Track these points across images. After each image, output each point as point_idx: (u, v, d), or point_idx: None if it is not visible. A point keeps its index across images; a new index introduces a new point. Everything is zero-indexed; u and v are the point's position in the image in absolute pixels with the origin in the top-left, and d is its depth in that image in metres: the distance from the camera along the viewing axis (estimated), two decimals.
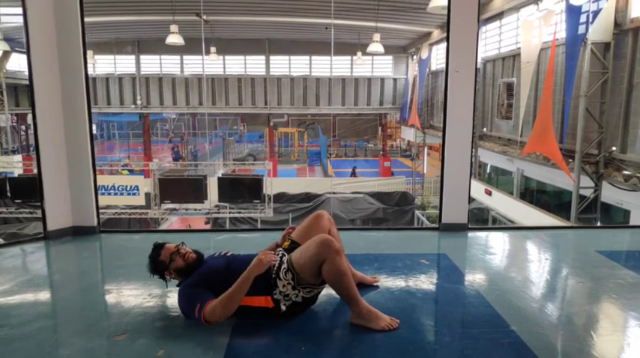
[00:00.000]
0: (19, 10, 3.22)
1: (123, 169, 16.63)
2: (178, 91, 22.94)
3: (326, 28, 17.07)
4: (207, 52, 20.09)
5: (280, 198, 13.21)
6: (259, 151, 30.73)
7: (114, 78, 22.78)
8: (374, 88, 23.49)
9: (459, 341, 2.02)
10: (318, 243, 2.03)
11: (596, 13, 8.44)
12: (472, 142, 3.75)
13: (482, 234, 3.69)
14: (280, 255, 2.22)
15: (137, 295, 2.44)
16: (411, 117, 20.50)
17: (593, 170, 9.10)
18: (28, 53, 3.25)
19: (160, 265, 2.19)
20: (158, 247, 2.23)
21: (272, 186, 11.76)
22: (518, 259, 3.38)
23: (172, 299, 2.31)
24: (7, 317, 2.25)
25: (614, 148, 8.70)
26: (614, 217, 9.70)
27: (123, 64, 22.88)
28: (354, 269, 2.48)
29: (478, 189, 12.69)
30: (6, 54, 18.78)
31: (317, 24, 17.89)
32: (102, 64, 22.37)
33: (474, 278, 2.74)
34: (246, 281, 2.03)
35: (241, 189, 11.39)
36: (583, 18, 8.69)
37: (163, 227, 14.05)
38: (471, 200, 3.71)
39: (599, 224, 9.26)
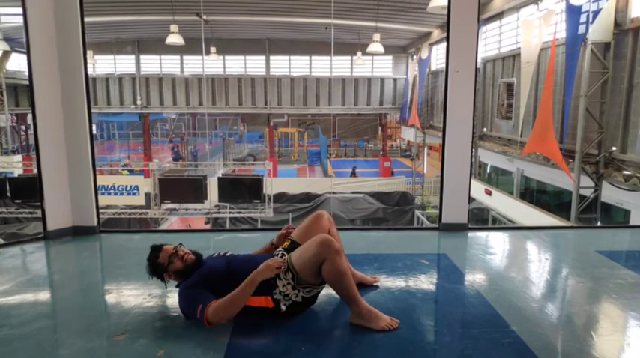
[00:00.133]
0: (19, 10, 3.22)
1: (123, 169, 16.63)
2: (178, 91, 22.94)
3: (326, 28, 17.08)
4: (207, 52, 20.10)
5: (280, 198, 13.21)
6: (259, 151, 30.73)
7: (114, 78, 22.78)
8: (374, 88, 23.50)
9: (459, 341, 2.02)
10: (318, 242, 2.03)
11: (596, 13, 8.44)
12: (472, 142, 3.75)
13: (482, 234, 3.69)
14: (280, 255, 2.22)
15: (137, 295, 2.44)
16: (411, 117, 20.50)
17: (593, 170, 9.10)
18: (28, 53, 3.25)
19: (158, 267, 2.19)
20: (156, 249, 2.22)
21: (272, 186, 11.76)
22: (518, 259, 3.38)
23: (172, 299, 2.31)
24: (7, 317, 2.25)
25: (614, 148, 8.70)
26: (614, 217, 9.70)
27: (123, 64, 22.88)
28: (354, 269, 2.48)
29: (478, 189, 12.69)
30: (6, 54, 18.78)
31: (317, 24, 17.89)
32: (102, 64, 22.37)
33: (474, 278, 2.74)
34: (251, 284, 2.03)
35: (241, 189, 11.40)
36: (583, 18, 8.69)
37: (163, 227, 14.05)
38: (471, 200, 3.71)
39: (599, 224, 9.26)
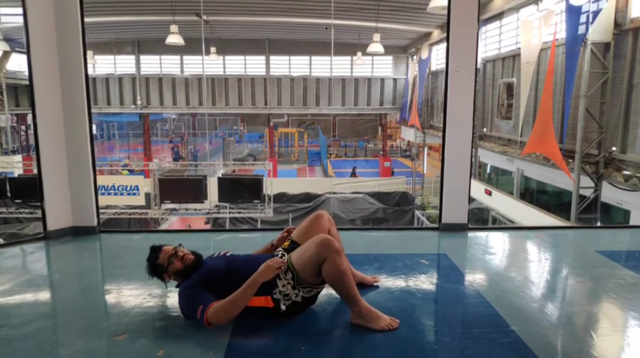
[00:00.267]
0: (19, 10, 3.22)
1: (123, 169, 16.62)
2: (178, 91, 22.95)
3: (326, 28, 17.08)
4: (207, 52, 20.10)
5: (280, 198, 13.21)
6: (259, 151, 30.73)
7: (114, 78, 22.78)
8: (374, 88, 23.50)
9: (459, 341, 2.02)
10: (318, 242, 2.03)
11: (596, 13, 8.44)
12: (472, 142, 3.75)
13: (482, 234, 3.69)
14: (280, 255, 2.22)
15: (137, 295, 2.44)
16: (411, 117, 20.50)
17: (593, 170, 9.10)
18: (28, 53, 3.25)
19: (158, 268, 2.19)
20: (155, 250, 2.22)
21: (272, 186, 11.76)
22: (518, 259, 3.38)
23: (172, 299, 2.31)
24: (7, 317, 2.25)
25: (614, 148, 8.70)
26: (614, 217, 9.70)
27: (123, 64, 22.88)
28: (354, 269, 2.47)
29: (478, 189, 12.69)
30: (6, 54, 18.78)
31: (317, 24, 17.89)
32: (102, 64, 22.37)
33: (474, 278, 2.74)
34: (252, 286, 2.03)
35: (241, 189, 11.40)
36: (583, 18, 8.69)
37: (163, 227, 14.05)
38: (471, 200, 3.71)
39: (599, 224, 9.26)
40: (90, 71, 9.26)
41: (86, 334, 2.07)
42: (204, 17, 16.77)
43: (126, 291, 2.54)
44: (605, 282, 2.64)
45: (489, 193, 12.61)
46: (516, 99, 12.42)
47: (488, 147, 14.05)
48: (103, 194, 11.29)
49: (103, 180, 12.36)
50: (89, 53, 12.56)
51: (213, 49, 20.76)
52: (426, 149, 22.32)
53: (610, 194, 9.03)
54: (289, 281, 2.09)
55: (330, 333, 2.09)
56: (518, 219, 10.88)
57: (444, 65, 4.39)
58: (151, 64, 23.17)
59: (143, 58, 23.07)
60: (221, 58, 22.27)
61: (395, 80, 23.63)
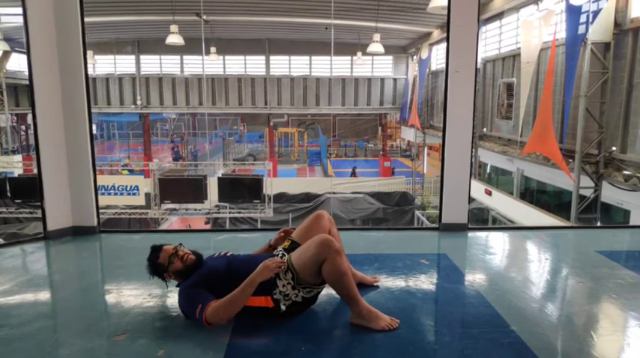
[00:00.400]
0: (19, 10, 3.22)
1: (123, 169, 16.62)
2: (178, 91, 22.95)
3: (326, 28, 17.08)
4: (207, 52, 20.09)
5: (280, 198, 13.21)
6: (259, 151, 30.73)
7: (114, 78, 22.78)
8: (374, 88, 23.50)
9: (459, 341, 2.02)
10: (318, 243, 2.03)
11: (596, 13, 8.44)
12: (472, 142, 3.75)
13: (482, 234, 3.69)
14: (280, 255, 2.22)
15: (137, 295, 2.44)
16: (411, 117, 20.50)
17: (593, 170, 9.10)
18: (28, 53, 3.25)
19: (158, 268, 2.19)
20: (156, 250, 2.22)
21: (272, 186, 11.75)
22: (518, 259, 3.38)
23: (172, 299, 2.31)
24: (7, 317, 2.25)
25: (614, 148, 8.70)
26: (614, 217, 9.70)
27: (123, 64, 22.89)
28: (354, 269, 2.47)
29: (478, 189, 12.69)
30: (6, 54, 18.78)
31: (317, 24, 17.89)
32: (102, 64, 22.37)
33: (474, 278, 2.74)
34: (250, 285, 2.03)
35: (241, 189, 11.39)
36: (583, 18, 8.69)
37: (163, 227, 14.05)
38: (471, 200, 3.71)
39: (599, 224, 9.26)
40: (90, 71, 9.27)
41: (86, 334, 2.07)
42: (204, 17, 16.77)
43: (126, 291, 2.54)
44: (605, 282, 2.64)
45: (489, 193, 12.61)
46: (516, 99, 12.42)
47: (488, 147, 14.06)
48: (103, 194, 11.29)
49: (103, 180, 12.36)
50: (89, 53, 12.56)
51: (213, 49, 20.75)
52: (426, 149, 22.32)
53: (610, 194, 9.03)
54: (289, 281, 2.09)
55: (330, 333, 2.09)
56: (518, 219, 10.88)
57: (444, 65, 4.39)
58: (151, 64, 23.17)
59: (143, 57, 23.06)
60: (221, 57, 22.27)
61: (395, 80, 23.63)
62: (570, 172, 9.21)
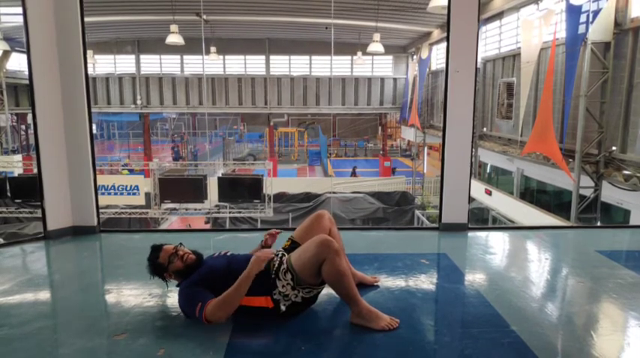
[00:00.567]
0: (19, 10, 3.22)
1: (123, 169, 16.61)
2: (178, 91, 22.94)
3: (326, 28, 17.07)
4: (207, 52, 20.09)
5: (280, 197, 13.21)
6: (259, 151, 30.72)
7: (114, 78, 22.77)
8: (374, 88, 23.49)
9: (459, 341, 2.02)
10: (318, 243, 2.03)
11: (596, 13, 8.44)
12: (472, 142, 3.75)
13: (482, 234, 3.69)
14: (280, 255, 2.22)
15: (137, 295, 2.44)
16: (411, 117, 20.50)
17: (593, 170, 9.10)
18: (28, 53, 3.25)
19: (158, 267, 2.20)
20: (156, 249, 2.23)
21: (272, 185, 11.75)
22: (518, 259, 3.38)
23: (172, 298, 2.31)
24: (7, 317, 2.25)
25: (614, 148, 8.70)
26: (614, 217, 9.70)
27: (123, 63, 22.88)
28: (354, 269, 2.48)
29: (478, 189, 12.69)
30: (6, 54, 18.78)
31: (317, 24, 17.89)
32: (102, 64, 22.36)
33: (474, 278, 2.74)
34: (246, 280, 2.03)
35: (241, 188, 11.39)
36: (583, 18, 8.69)
37: (163, 227, 14.04)
38: (471, 200, 3.71)
39: (599, 224, 9.26)
40: (90, 71, 9.26)
41: (86, 334, 2.07)
42: (204, 17, 16.77)
43: (126, 291, 2.54)
44: (605, 282, 2.64)
45: (489, 193, 12.61)
46: (516, 98, 12.42)
47: (488, 146, 14.05)
48: (103, 194, 11.30)
49: (103, 179, 12.36)
50: (89, 53, 12.55)
51: (213, 49, 20.75)
52: (426, 149, 22.32)
53: (610, 194, 9.03)
54: (289, 281, 2.09)
55: (330, 333, 2.09)
56: (518, 219, 10.88)
57: (444, 65, 4.39)
58: (151, 64, 23.17)
59: (143, 57, 23.06)
60: (221, 57, 22.26)
61: (395, 80, 23.63)
62: (570, 172, 9.21)
